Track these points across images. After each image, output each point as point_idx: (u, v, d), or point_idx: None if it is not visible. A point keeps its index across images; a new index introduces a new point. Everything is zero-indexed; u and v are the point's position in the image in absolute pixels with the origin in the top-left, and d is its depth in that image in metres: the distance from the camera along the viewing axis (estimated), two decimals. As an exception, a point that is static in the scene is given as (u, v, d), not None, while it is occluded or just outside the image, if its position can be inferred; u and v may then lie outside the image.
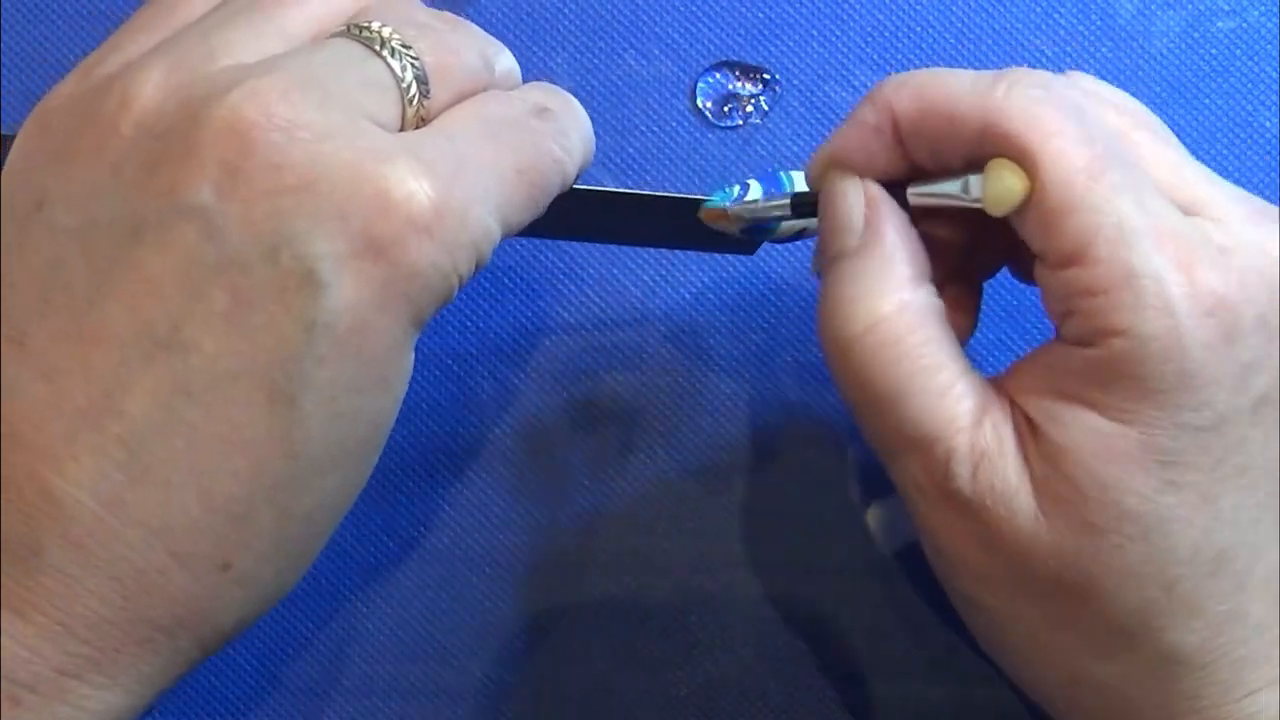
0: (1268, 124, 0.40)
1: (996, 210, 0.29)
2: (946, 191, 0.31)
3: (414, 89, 0.30)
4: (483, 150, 0.30)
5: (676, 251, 0.40)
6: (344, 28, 0.30)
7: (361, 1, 0.32)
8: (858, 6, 0.41)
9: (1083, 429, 0.29)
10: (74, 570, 0.27)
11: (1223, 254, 0.29)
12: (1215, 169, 0.40)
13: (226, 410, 0.27)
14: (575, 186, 0.33)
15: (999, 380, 0.31)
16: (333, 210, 0.27)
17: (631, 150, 0.40)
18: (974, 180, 0.30)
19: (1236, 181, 0.40)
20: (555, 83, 0.40)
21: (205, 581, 0.28)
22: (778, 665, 0.39)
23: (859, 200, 0.31)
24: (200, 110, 0.27)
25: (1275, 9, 0.40)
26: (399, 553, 0.40)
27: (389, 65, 0.30)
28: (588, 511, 0.40)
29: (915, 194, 0.31)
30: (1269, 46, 0.40)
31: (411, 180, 0.27)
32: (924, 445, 0.30)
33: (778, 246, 0.40)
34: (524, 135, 0.31)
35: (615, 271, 0.40)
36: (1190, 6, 0.40)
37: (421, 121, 0.30)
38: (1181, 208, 0.30)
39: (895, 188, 0.31)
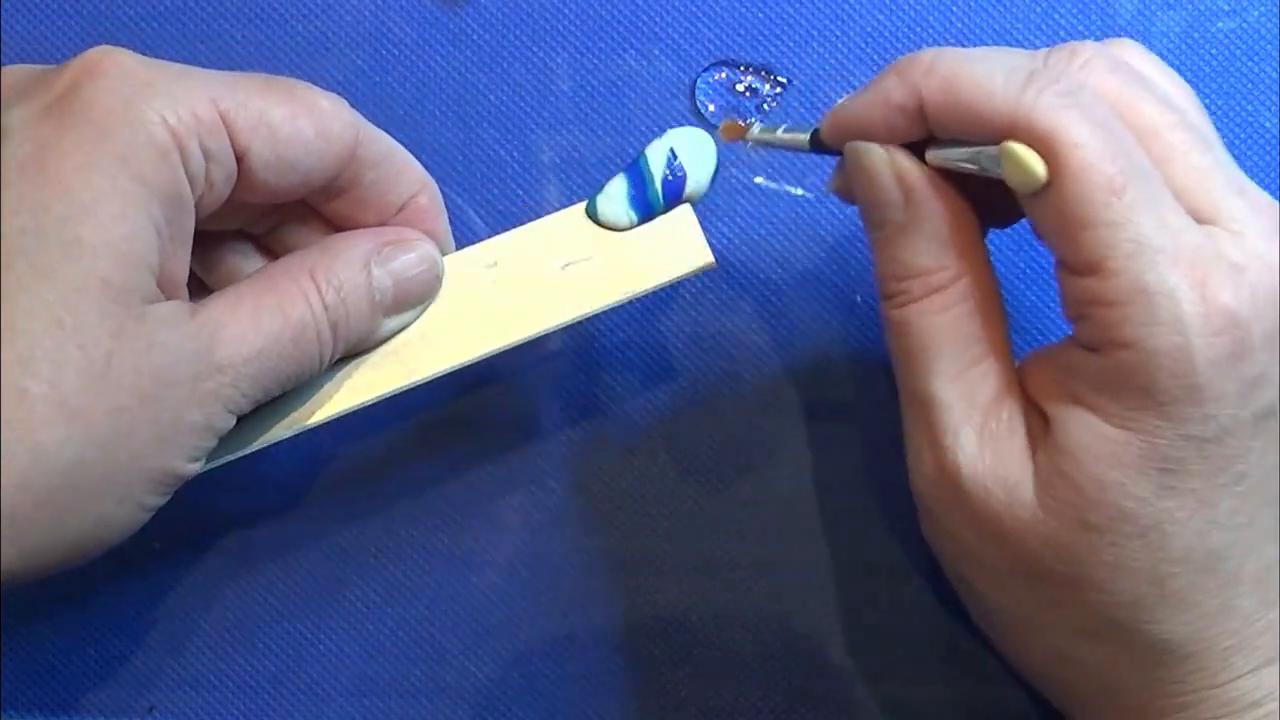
0: (1268, 124, 0.40)
1: (1023, 189, 0.29)
2: (966, 161, 0.31)
3: None
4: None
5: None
6: None
7: None
8: (858, 7, 0.41)
9: (1088, 433, 0.30)
10: None
11: (1235, 271, 0.29)
12: (1215, 169, 0.40)
13: None
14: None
15: (1018, 370, 0.32)
16: (24, 87, 0.31)
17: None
18: (988, 152, 0.30)
19: (1236, 182, 0.40)
20: (555, 83, 0.41)
21: None
22: (778, 665, 0.39)
23: (891, 178, 0.32)
24: None
25: (1275, 9, 0.40)
26: (399, 553, 0.40)
27: None
28: (588, 512, 0.40)
29: (934, 157, 0.32)
30: (1269, 46, 0.40)
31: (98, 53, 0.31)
32: (939, 409, 0.31)
33: (782, 247, 0.40)
34: None
35: (615, 271, 0.40)
36: (1190, 6, 0.40)
37: None
38: (1200, 215, 0.30)
39: (913, 146, 0.32)
